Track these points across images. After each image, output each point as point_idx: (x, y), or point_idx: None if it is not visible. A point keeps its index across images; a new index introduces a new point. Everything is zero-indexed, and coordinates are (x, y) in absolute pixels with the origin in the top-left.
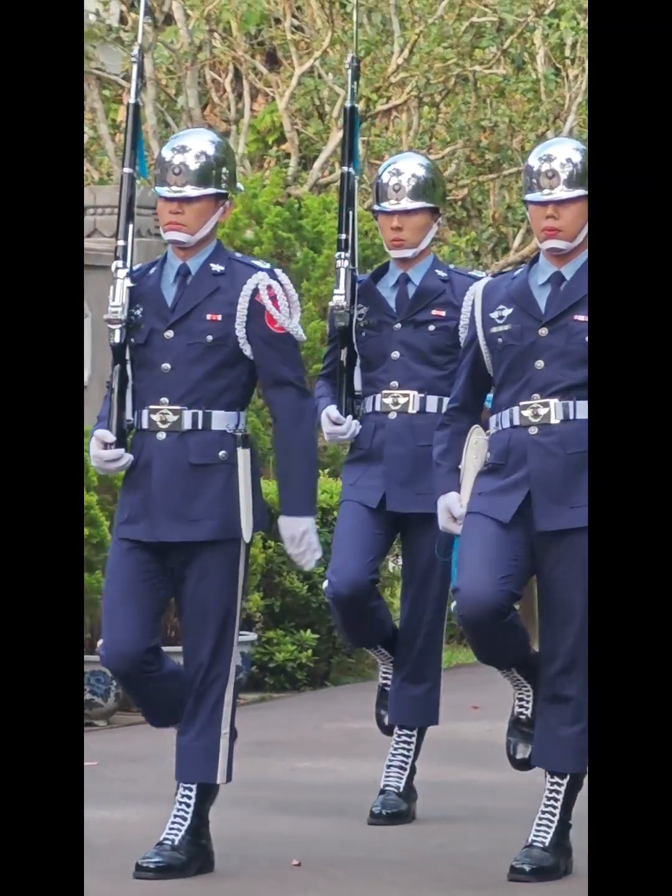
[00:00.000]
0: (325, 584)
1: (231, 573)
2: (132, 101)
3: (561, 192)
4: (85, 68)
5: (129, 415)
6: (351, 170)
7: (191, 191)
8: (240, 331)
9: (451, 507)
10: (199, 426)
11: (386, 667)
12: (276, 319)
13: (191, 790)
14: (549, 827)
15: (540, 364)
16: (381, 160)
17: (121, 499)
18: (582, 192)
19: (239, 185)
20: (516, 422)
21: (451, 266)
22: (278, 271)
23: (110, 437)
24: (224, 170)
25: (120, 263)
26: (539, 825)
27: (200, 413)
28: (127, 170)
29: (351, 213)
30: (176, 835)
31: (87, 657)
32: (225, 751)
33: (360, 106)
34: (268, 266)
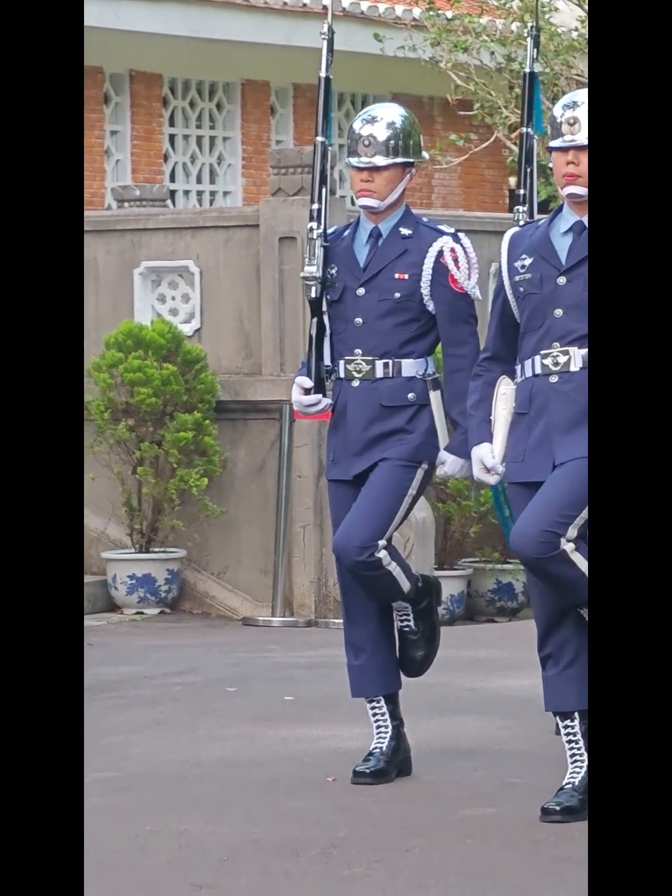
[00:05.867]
0: None
1: (404, 477)
2: (323, 75)
3: (582, 138)
4: (567, 75)
5: (327, 361)
6: (530, 130)
7: (380, 160)
8: (425, 289)
9: (483, 457)
10: (391, 374)
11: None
12: (458, 280)
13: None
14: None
15: (559, 313)
16: None
17: (328, 442)
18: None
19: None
20: (538, 371)
21: None
22: (461, 235)
23: (308, 382)
24: (411, 140)
25: (314, 224)
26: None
27: (391, 363)
28: (319, 139)
29: (528, 170)
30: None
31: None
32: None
33: None
34: (452, 231)
